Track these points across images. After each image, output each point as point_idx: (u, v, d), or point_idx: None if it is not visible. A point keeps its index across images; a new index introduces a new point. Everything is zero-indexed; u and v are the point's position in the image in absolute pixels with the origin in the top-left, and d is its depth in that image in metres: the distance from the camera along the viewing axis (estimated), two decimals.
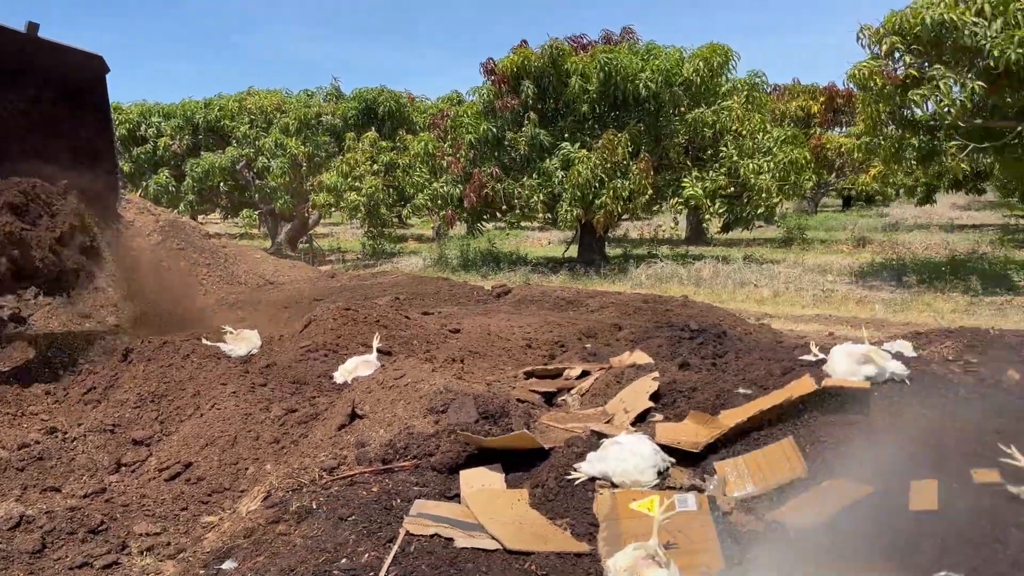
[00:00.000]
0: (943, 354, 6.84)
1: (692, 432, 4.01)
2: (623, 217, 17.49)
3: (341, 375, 5.70)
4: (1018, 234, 21.60)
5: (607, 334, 7.73)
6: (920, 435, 3.49)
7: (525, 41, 16.35)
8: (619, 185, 15.02)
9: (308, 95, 25.49)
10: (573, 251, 18.44)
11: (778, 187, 15.49)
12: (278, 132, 22.32)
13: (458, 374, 5.36)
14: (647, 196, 15.54)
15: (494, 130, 16.14)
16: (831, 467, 3.51)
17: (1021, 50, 10.50)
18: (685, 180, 15.77)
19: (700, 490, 3.65)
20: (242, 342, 6.29)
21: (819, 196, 32.17)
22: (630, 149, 15.36)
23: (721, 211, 16.09)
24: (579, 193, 15.09)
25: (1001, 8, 11.14)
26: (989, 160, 15.45)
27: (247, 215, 23.53)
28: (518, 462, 4.00)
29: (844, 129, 25.94)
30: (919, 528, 2.90)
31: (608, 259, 17.45)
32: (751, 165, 15.33)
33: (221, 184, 23.33)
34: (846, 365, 4.04)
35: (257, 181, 23.00)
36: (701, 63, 15.37)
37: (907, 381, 4.01)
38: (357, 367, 5.68)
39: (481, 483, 3.84)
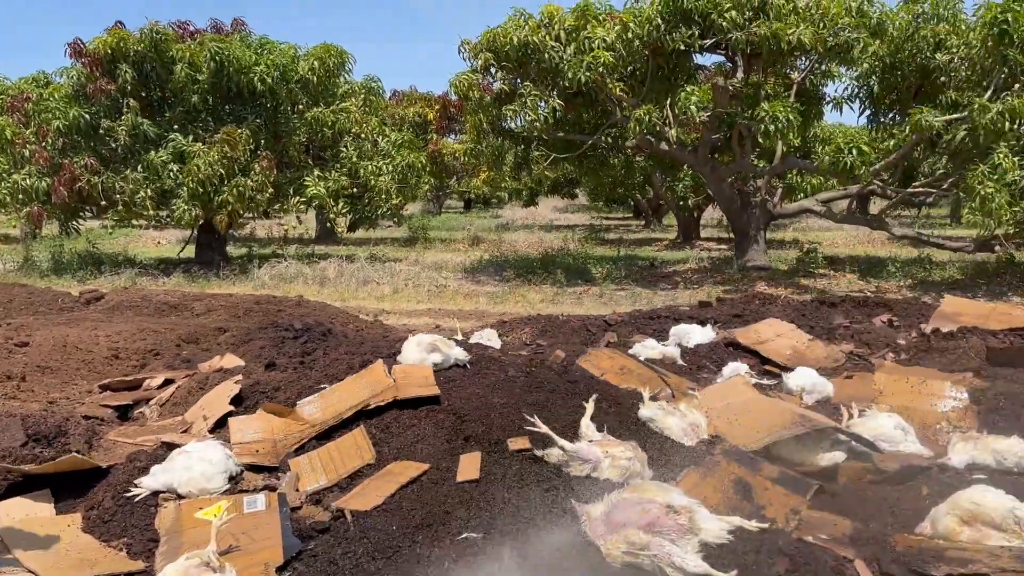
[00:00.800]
0: (522, 339, 7.74)
1: (269, 431, 4.00)
2: (247, 216, 16.84)
3: None
4: (601, 233, 25.18)
5: (210, 338, 7.39)
6: (472, 412, 3.88)
7: (120, 23, 14.87)
8: (241, 183, 14.43)
9: None
10: (191, 251, 17.27)
11: (397, 189, 16.13)
12: None
13: (11, 393, 4.69)
14: (268, 194, 15.14)
15: (87, 117, 14.44)
16: (396, 450, 3.75)
17: (589, 73, 12.22)
18: (307, 179, 15.67)
19: (273, 489, 3.66)
20: None
21: (443, 198, 34.25)
22: (251, 146, 14.84)
23: (344, 211, 16.29)
24: (199, 190, 14.19)
25: (574, 35, 12.88)
26: (573, 169, 17.78)
27: None
28: (75, 485, 3.63)
29: (457, 136, 27.94)
30: (460, 497, 3.22)
31: (229, 259, 16.67)
32: (371, 167, 15.75)
33: None
34: (416, 354, 4.35)
35: None
36: (317, 62, 15.38)
37: (468, 365, 4.43)
38: None
39: (25, 513, 3.42)
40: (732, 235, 16.27)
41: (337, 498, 3.49)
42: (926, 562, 2.76)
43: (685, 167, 17.37)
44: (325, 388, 4.41)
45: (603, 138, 14.42)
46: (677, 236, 22.21)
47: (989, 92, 11.70)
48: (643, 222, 28.74)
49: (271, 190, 15.08)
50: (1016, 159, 11.12)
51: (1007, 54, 11.32)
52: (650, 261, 16.46)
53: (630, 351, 5.89)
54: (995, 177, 11.01)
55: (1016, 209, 10.97)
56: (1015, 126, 11.31)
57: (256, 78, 14.75)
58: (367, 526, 3.10)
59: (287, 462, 3.83)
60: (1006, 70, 11.64)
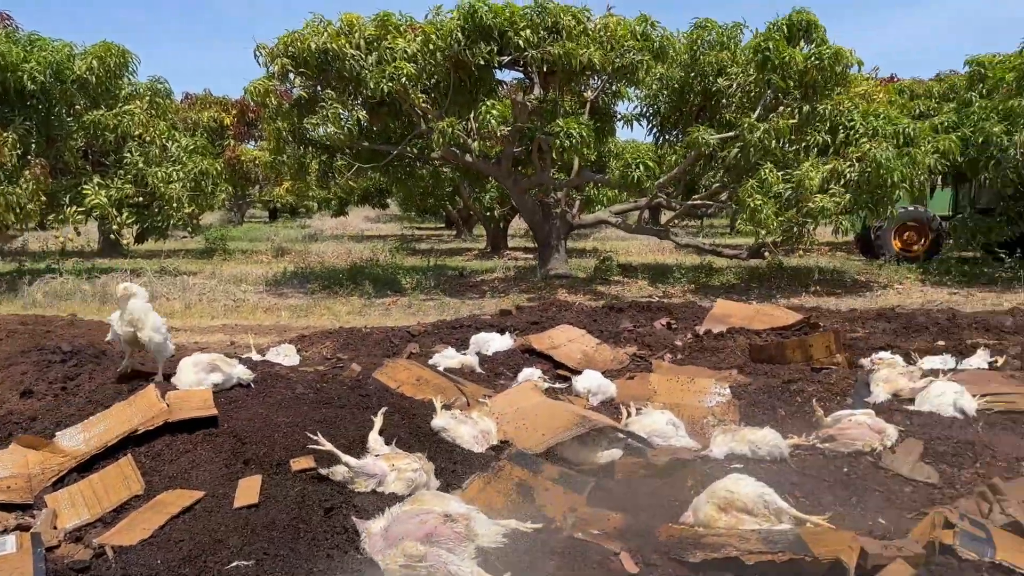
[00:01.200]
0: (323, 353, 7.54)
1: (22, 465, 3.62)
2: (17, 227, 15.15)
3: None
4: (412, 243, 25.16)
5: None
6: (254, 433, 3.72)
7: None
8: (9, 191, 12.98)
9: None
10: None
11: (190, 197, 15.20)
12: None
13: None
14: (41, 204, 13.73)
15: None
16: (169, 479, 3.51)
17: (391, 83, 12.15)
18: (87, 187, 14.39)
19: (27, 528, 3.32)
20: None
21: (245, 207, 32.75)
22: (19, 151, 13.39)
23: (130, 221, 15.12)
24: None
25: (375, 45, 12.78)
26: (382, 179, 17.62)
27: None
28: None
29: (258, 143, 26.82)
30: (235, 524, 3.06)
31: None
32: (159, 173, 14.73)
33: None
34: (192, 376, 4.11)
35: None
36: (96, 61, 14.18)
37: (252, 384, 4.25)
38: None
39: None
40: (537, 245, 16.84)
41: (100, 534, 3.23)
42: (685, 550, 2.97)
43: (491, 179, 17.76)
44: (90, 416, 4.07)
45: (409, 148, 14.42)
46: (486, 246, 22.65)
47: (757, 113, 12.95)
48: (454, 232, 29.06)
49: (44, 199, 13.71)
50: (781, 174, 12.39)
51: (770, 79, 12.59)
52: (459, 271, 16.65)
53: (430, 361, 5.93)
54: (763, 190, 12.20)
55: (782, 219, 12.20)
56: (779, 144, 12.60)
57: (25, 76, 13.36)
58: (130, 561, 2.89)
59: (43, 498, 3.49)
60: (770, 93, 12.93)
